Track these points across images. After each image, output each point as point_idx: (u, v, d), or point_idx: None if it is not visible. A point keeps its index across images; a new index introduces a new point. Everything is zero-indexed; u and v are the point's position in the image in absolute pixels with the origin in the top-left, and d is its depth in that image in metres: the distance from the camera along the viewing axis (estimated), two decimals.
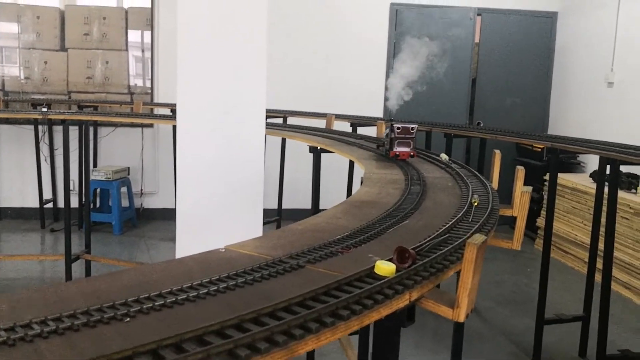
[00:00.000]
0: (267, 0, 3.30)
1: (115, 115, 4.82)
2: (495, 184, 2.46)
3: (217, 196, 3.40)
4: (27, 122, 6.47)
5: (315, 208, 3.59)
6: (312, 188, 3.62)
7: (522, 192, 1.95)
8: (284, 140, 5.96)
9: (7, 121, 6.40)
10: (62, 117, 4.66)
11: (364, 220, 1.78)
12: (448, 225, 1.68)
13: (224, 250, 1.45)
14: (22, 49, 6.87)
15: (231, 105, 3.34)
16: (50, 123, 6.31)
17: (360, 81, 6.97)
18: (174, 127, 6.12)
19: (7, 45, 6.91)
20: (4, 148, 6.75)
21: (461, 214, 1.82)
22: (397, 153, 2.89)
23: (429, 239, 1.53)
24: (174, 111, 5.97)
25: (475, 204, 1.96)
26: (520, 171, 2.10)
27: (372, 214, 1.86)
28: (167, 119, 5.01)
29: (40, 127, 6.56)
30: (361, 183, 2.43)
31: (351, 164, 5.14)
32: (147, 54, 7.01)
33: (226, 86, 3.33)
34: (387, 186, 2.31)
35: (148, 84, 7.05)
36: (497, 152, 2.48)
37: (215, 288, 1.17)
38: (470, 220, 1.77)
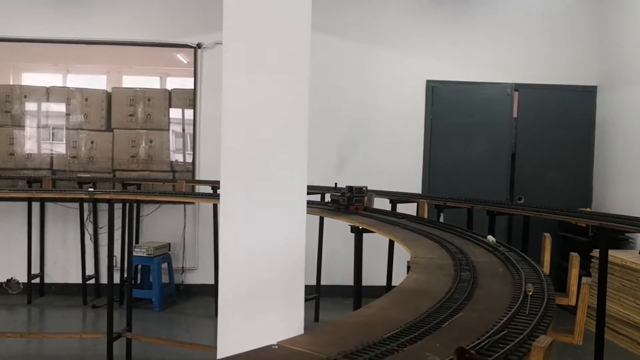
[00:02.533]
0: (308, 86, 3.39)
1: (158, 194, 4.92)
2: (546, 269, 2.40)
3: (258, 274, 3.39)
4: (72, 200, 6.64)
5: (358, 289, 3.55)
6: (354, 268, 3.59)
7: (583, 284, 1.89)
8: (321, 218, 5.97)
9: (53, 199, 6.58)
10: (107, 196, 4.77)
11: (415, 312, 1.73)
12: (505, 319, 1.63)
13: (276, 347, 1.43)
14: (71, 130, 7.14)
15: (273, 188, 3.37)
16: (96, 201, 6.46)
17: (397, 157, 7.02)
18: (214, 205, 6.23)
19: (56, 125, 7.19)
20: (50, 225, 6.91)
21: (517, 305, 1.76)
22: (356, 207, 4.00)
23: (487, 335, 1.48)
24: (214, 188, 6.08)
25: (530, 293, 1.91)
26: (575, 258, 2.05)
27: (423, 305, 1.81)
28: (208, 198, 5.08)
29: (85, 204, 6.72)
30: (408, 268, 2.40)
31: (390, 242, 5.11)
32: (187, 130, 7.21)
33: (267, 165, 3.38)
34: (436, 272, 2.27)
35: (188, 159, 7.21)
36: (548, 237, 2.43)
37: None
38: (527, 312, 1.71)
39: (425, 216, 4.12)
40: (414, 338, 1.51)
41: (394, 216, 3.93)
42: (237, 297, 3.40)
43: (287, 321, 3.42)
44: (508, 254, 2.57)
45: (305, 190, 3.44)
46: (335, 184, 5.26)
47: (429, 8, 7.09)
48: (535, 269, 2.31)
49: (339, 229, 6.25)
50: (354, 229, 3.44)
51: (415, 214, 4.37)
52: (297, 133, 3.37)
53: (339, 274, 6.76)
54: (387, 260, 5.12)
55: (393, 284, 5.18)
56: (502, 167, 7.06)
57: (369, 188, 5.74)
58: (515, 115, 7.13)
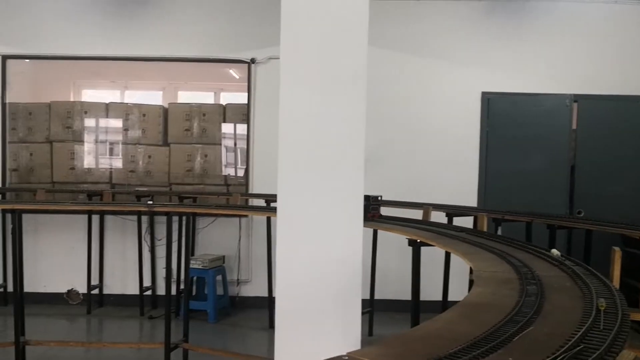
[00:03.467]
0: (365, 101, 3.38)
1: (215, 207, 5.00)
2: (616, 283, 2.32)
3: (315, 288, 3.39)
4: (129, 212, 6.79)
5: (416, 304, 3.50)
6: (412, 282, 3.55)
7: None
8: (375, 231, 5.93)
9: (113, 212, 6.75)
10: (165, 209, 4.87)
11: (483, 326, 1.70)
12: (579, 333, 1.58)
13: (347, 357, 1.42)
14: (129, 144, 7.33)
15: (329, 202, 3.38)
16: (155, 214, 6.60)
17: (451, 170, 6.93)
18: (268, 218, 6.27)
19: (115, 140, 7.40)
20: (109, 237, 7.08)
21: (590, 320, 1.71)
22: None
23: (562, 350, 1.44)
24: (268, 202, 6.12)
25: (603, 308, 1.85)
26: None
27: (491, 319, 1.78)
28: (263, 211, 5.12)
29: (142, 216, 6.86)
30: (470, 282, 2.36)
31: (447, 256, 5.03)
32: (239, 145, 7.31)
33: (325, 179, 3.39)
34: (501, 286, 2.22)
35: (240, 173, 7.31)
36: (618, 251, 2.35)
37: None
38: (601, 328, 1.66)
39: (485, 229, 4.05)
40: (486, 351, 1.48)
41: (452, 229, 3.87)
42: (294, 310, 3.41)
43: (344, 335, 3.41)
44: (575, 268, 2.49)
45: (362, 204, 3.44)
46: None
47: (482, 17, 7.02)
48: (605, 283, 2.24)
49: (391, 242, 6.19)
50: (411, 242, 3.40)
51: (471, 227, 4.30)
52: (354, 147, 3.37)
53: (391, 288, 6.70)
54: (443, 274, 5.04)
55: (449, 298, 5.09)
56: (561, 180, 6.88)
57: (421, 202, 5.69)
58: (574, 126, 6.95)
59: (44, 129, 7.26)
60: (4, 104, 7.04)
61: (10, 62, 7.08)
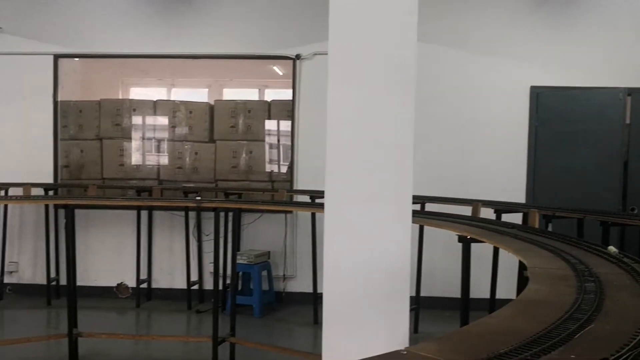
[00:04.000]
0: (414, 97, 3.35)
1: (261, 203, 5.04)
2: None
3: (362, 284, 3.38)
4: (178, 208, 6.89)
5: (465, 301, 3.46)
6: (462, 279, 3.51)
7: None
8: (421, 227, 5.89)
9: (162, 208, 6.86)
10: (213, 205, 4.94)
11: (542, 323, 1.66)
12: None
13: (405, 352, 1.41)
14: (176, 141, 7.45)
15: (378, 198, 3.36)
16: (203, 210, 6.68)
17: (499, 166, 6.81)
18: (313, 214, 6.29)
19: (162, 137, 7.53)
20: (157, 232, 7.22)
21: None
22: None
23: (628, 348, 1.40)
24: (313, 198, 6.14)
25: None
26: None
27: (549, 316, 1.74)
28: (310, 207, 5.14)
29: (189, 212, 6.96)
30: (519, 279, 2.32)
31: (495, 253, 4.95)
32: (283, 141, 7.35)
33: (373, 175, 3.37)
34: (558, 283, 2.17)
35: (283, 170, 7.35)
36: None
37: None
38: None
39: (536, 226, 3.97)
40: (547, 348, 1.45)
41: (502, 225, 3.81)
42: (341, 306, 3.40)
43: (392, 332, 3.39)
44: (634, 266, 2.42)
45: (410, 200, 3.41)
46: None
47: (530, 10, 6.87)
48: None
49: (437, 238, 6.13)
50: (461, 239, 3.36)
51: (521, 224, 4.22)
52: (403, 143, 3.34)
53: (437, 285, 6.63)
54: (491, 271, 4.96)
55: (497, 296, 5.02)
56: (614, 177, 6.69)
57: (467, 198, 5.61)
58: (627, 121, 6.74)
59: (94, 126, 7.43)
60: (55, 102, 7.23)
61: (61, 61, 7.26)
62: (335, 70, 3.40)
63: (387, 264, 3.34)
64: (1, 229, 6.95)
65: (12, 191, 6.63)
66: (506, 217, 4.90)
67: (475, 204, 4.31)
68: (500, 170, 6.81)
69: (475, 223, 3.91)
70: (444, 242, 6.37)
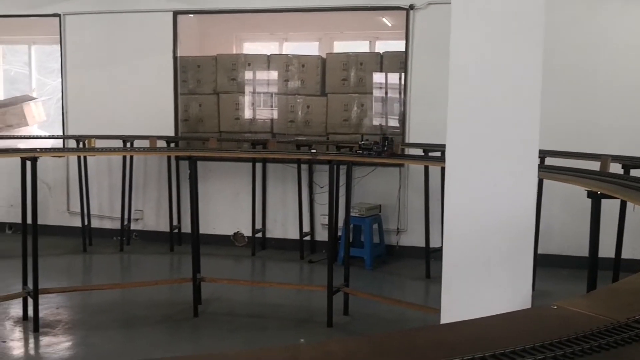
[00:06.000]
0: (542, 47, 3.18)
1: (376, 157, 5.02)
2: None
3: (485, 240, 3.32)
4: (290, 160, 7.04)
5: (593, 261, 3.32)
6: (590, 238, 3.36)
7: None
8: (541, 182, 5.66)
9: (277, 160, 7.03)
10: (328, 157, 4.99)
11: None
12: None
13: (555, 307, 1.37)
14: (289, 95, 7.55)
15: (501, 146, 3.26)
16: (314, 163, 6.78)
17: (626, 119, 6.39)
18: (426, 168, 6.21)
19: (275, 91, 7.66)
20: (270, 184, 7.43)
21: None
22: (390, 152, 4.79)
23: None
24: (426, 151, 6.05)
25: None
26: None
27: None
28: (424, 160, 5.08)
29: (301, 165, 7.09)
30: None
31: (621, 210, 4.69)
32: (391, 94, 7.26)
33: (498, 128, 3.26)
34: None
35: (392, 123, 7.28)
36: None
37: (570, 351, 1.10)
38: None
39: None
40: None
41: (634, 181, 3.59)
42: (462, 261, 3.36)
43: (514, 289, 3.32)
44: None
45: (537, 154, 3.28)
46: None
47: None
48: None
49: (556, 194, 5.89)
50: (591, 194, 3.20)
51: None
52: (530, 93, 3.20)
53: (555, 242, 6.41)
54: (617, 230, 4.72)
55: (623, 256, 4.78)
56: None
57: (596, 152, 5.31)
58: None
59: (211, 81, 7.67)
60: (175, 58, 7.51)
61: (179, 18, 7.50)
62: (458, 19, 3.28)
63: (511, 220, 3.25)
64: (127, 179, 7.39)
65: (136, 143, 7.03)
66: (635, 173, 4.61)
67: (604, 158, 4.07)
68: (627, 123, 6.38)
69: (604, 178, 3.71)
70: (562, 198, 6.12)
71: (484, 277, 3.31)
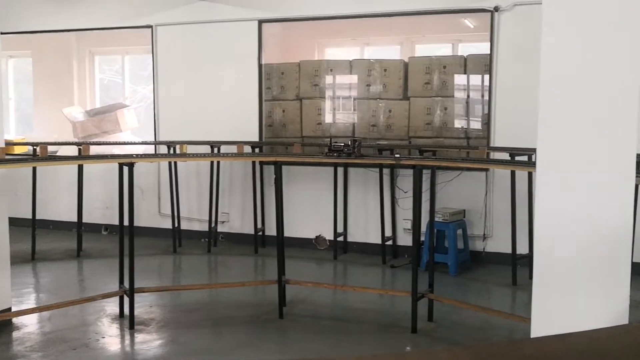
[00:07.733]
0: None
1: (460, 161, 4.97)
2: None
3: (579, 249, 3.23)
4: (375, 165, 7.05)
5: None
6: None
7: None
8: (636, 187, 5.42)
9: (359, 165, 7.07)
10: (412, 162, 4.98)
11: None
12: None
13: None
14: (371, 99, 7.58)
15: (596, 150, 3.16)
16: (400, 167, 6.76)
17: None
18: (512, 172, 6.08)
19: (357, 95, 7.70)
20: (352, 189, 7.47)
21: None
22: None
23: None
24: (512, 155, 5.93)
25: None
26: None
27: None
28: (511, 165, 4.98)
29: (384, 169, 7.09)
30: None
31: None
32: (473, 96, 7.14)
33: (593, 131, 3.17)
34: None
35: (475, 126, 7.15)
36: None
37: None
38: None
39: None
40: None
41: None
42: (554, 269, 3.28)
43: (609, 298, 3.21)
44: None
45: (634, 158, 3.16)
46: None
47: None
48: None
49: None
50: None
51: None
52: (627, 98, 3.09)
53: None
54: None
55: None
56: None
57: None
58: None
59: (294, 87, 7.81)
60: (260, 65, 7.70)
61: (264, 26, 7.69)
62: (550, 19, 3.21)
63: (607, 227, 3.14)
64: (215, 183, 7.64)
65: (223, 148, 7.25)
66: None
67: None
68: None
69: None
70: None
71: (577, 287, 3.22)
